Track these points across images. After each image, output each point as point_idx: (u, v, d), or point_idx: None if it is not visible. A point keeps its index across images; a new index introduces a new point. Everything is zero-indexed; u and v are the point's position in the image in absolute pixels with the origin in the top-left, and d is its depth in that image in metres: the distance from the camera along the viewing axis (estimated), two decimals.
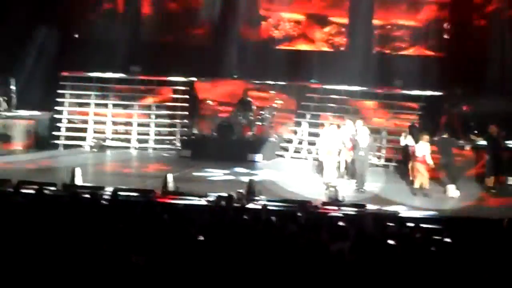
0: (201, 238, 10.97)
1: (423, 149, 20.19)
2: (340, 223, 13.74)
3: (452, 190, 20.20)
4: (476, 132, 22.72)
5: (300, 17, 28.31)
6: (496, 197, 20.52)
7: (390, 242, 11.15)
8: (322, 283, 9.44)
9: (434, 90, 25.19)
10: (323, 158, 21.10)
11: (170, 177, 19.29)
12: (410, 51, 27.28)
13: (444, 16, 27.25)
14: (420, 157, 20.20)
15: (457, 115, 24.44)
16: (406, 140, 21.17)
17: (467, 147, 21.55)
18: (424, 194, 20.05)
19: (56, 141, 25.11)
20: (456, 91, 24.77)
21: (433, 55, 26.89)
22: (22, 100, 25.95)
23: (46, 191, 15.96)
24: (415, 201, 19.50)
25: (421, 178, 20.17)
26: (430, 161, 20.17)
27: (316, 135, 25.43)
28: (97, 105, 26.49)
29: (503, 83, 24.64)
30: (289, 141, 25.74)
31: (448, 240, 11.96)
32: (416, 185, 20.18)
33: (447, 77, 25.56)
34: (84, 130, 25.95)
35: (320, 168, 21.77)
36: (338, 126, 21.88)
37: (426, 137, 20.34)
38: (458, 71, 25.57)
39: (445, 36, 27.29)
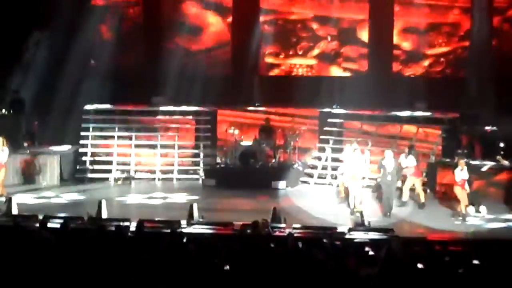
0: (227, 267, 10.94)
1: (461, 174, 20.13)
2: (367, 249, 13.73)
3: (471, 212, 20.19)
4: (502, 153, 22.62)
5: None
6: None
7: (419, 265, 11.08)
8: None
9: (456, 112, 25.07)
10: (348, 183, 21.01)
11: (195, 207, 19.30)
12: (432, 73, 27.14)
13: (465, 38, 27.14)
14: (459, 181, 20.14)
15: (477, 137, 24.29)
16: (407, 160, 20.95)
17: (484, 168, 21.29)
18: (462, 217, 19.97)
19: (80, 175, 25.18)
20: (472, 112, 24.65)
21: (455, 76, 26.75)
22: (44, 134, 26.06)
23: (72, 225, 16.02)
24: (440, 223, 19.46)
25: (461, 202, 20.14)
26: (467, 187, 20.12)
27: (340, 160, 25.41)
28: (120, 137, 26.57)
29: None
30: (313, 167, 25.69)
31: (476, 262, 11.88)
32: (462, 209, 20.10)
33: (469, 98, 25.48)
34: (108, 162, 26.02)
35: (345, 194, 21.73)
36: (362, 151, 21.81)
37: (463, 161, 20.27)
38: (480, 92, 25.47)
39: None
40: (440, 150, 24.54)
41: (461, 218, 20.02)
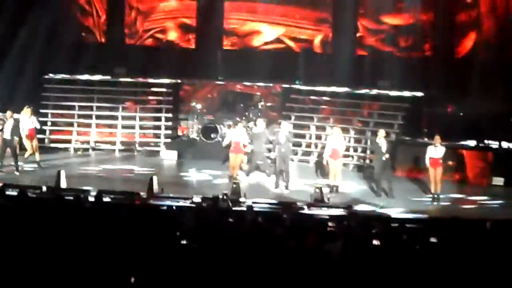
0: (184, 242, 10.93)
1: (435, 152, 20.18)
2: (330, 224, 13.80)
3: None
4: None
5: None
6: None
7: (375, 242, 11.16)
8: (310, 284, 9.42)
9: (418, 92, 25.23)
10: (329, 162, 21.01)
11: (155, 180, 19.26)
12: (396, 52, 27.19)
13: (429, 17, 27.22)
14: (431, 160, 20.23)
15: (437, 117, 24.46)
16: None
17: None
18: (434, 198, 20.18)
19: (40, 145, 24.93)
20: (433, 92, 24.81)
21: (419, 56, 26.84)
22: (3, 102, 25.79)
23: (30, 194, 15.90)
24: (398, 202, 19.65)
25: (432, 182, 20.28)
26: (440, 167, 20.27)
27: (302, 136, 25.50)
28: (81, 107, 26.36)
29: (487, 85, 24.62)
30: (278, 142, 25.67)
31: (433, 240, 11.98)
32: (432, 189, 20.23)
33: (431, 79, 25.63)
34: (69, 132, 25.81)
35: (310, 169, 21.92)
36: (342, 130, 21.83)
37: (438, 138, 20.28)
38: (442, 73, 25.62)
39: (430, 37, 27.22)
40: (401, 128, 24.68)
41: (431, 197, 20.18)
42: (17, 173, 21.19)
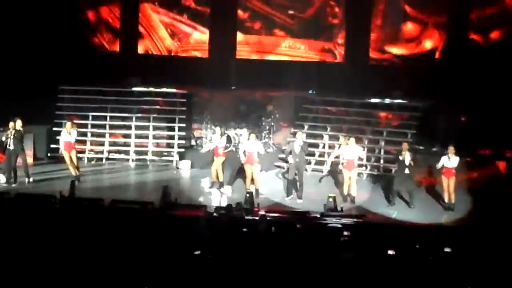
0: (198, 252, 10.95)
1: (448, 162, 20.21)
2: (345, 233, 13.79)
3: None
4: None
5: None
6: None
7: (390, 252, 11.14)
8: None
9: (432, 100, 25.20)
10: (343, 171, 21.05)
11: (168, 189, 19.29)
12: (409, 61, 27.17)
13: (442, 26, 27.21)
14: (444, 170, 20.26)
15: (452, 126, 24.43)
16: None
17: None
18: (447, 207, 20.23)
19: (53, 154, 24.96)
20: (443, 102, 24.77)
21: (432, 65, 26.80)
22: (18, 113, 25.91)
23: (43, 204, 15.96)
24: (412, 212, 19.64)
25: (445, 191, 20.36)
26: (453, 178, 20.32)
27: (315, 146, 25.49)
28: (95, 117, 26.43)
29: (498, 95, 24.61)
30: (291, 151, 25.69)
31: (448, 249, 11.96)
32: (445, 198, 20.31)
33: (444, 88, 25.63)
34: (82, 142, 25.85)
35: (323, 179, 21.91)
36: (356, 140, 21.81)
37: (452, 148, 20.29)
38: (455, 81, 25.62)
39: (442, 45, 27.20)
40: (414, 138, 24.66)
41: (446, 207, 20.19)
42: (27, 183, 21.17)
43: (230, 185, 21.64)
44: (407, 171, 20.43)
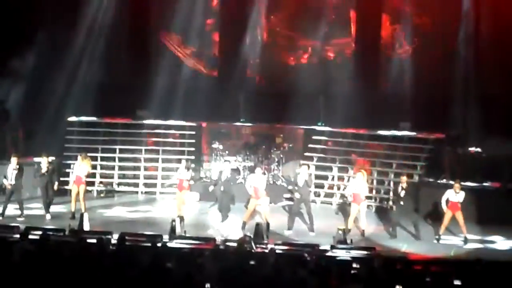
0: (208, 286, 10.91)
1: (455, 197, 20.18)
2: (354, 265, 13.73)
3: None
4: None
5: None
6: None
7: (398, 287, 11.09)
8: None
9: (441, 133, 25.19)
10: (351, 204, 21.01)
11: (177, 221, 19.31)
12: (417, 93, 27.12)
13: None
14: (450, 204, 20.21)
15: (459, 158, 24.39)
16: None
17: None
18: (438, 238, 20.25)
19: (64, 187, 24.97)
20: (452, 133, 24.74)
21: (440, 96, 26.76)
22: (29, 146, 25.99)
23: (53, 237, 15.93)
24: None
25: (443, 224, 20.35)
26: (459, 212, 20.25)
27: (324, 177, 25.49)
28: (104, 150, 26.50)
29: (509, 123, 24.56)
30: (296, 184, 25.66)
31: (457, 282, 11.90)
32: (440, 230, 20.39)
33: (454, 119, 25.62)
34: (92, 175, 25.85)
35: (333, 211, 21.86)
36: (369, 172, 21.74)
37: (458, 184, 20.30)
38: (465, 113, 25.62)
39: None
40: (424, 170, 24.63)
41: (437, 238, 20.21)
42: (21, 218, 20.91)
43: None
44: (401, 203, 20.46)
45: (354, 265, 14.04)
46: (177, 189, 21.66)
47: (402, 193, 20.56)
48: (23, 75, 26.64)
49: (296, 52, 29.16)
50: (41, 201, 21.70)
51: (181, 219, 20.42)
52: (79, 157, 22.05)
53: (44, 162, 21.68)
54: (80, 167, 21.78)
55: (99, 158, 26.34)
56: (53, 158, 22.44)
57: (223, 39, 28.88)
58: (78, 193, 21.54)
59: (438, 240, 20.19)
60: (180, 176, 21.67)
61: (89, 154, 25.95)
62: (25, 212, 21.37)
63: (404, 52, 27.68)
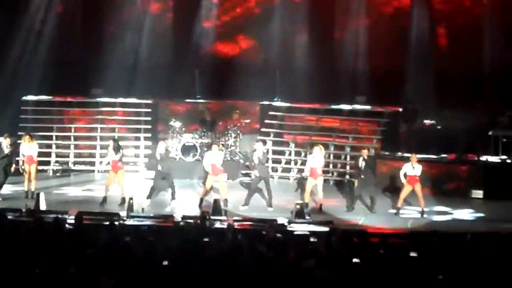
0: (166, 262, 10.91)
1: (412, 170, 20.30)
2: (312, 239, 13.81)
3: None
4: None
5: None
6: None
7: (356, 260, 11.16)
8: None
9: (396, 106, 25.35)
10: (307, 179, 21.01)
11: (135, 199, 19.26)
12: (373, 67, 27.17)
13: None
14: (407, 178, 20.33)
15: (414, 131, 24.58)
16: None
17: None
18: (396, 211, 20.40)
19: (18, 167, 24.73)
20: (408, 106, 24.90)
21: (396, 70, 26.87)
22: None
23: (10, 217, 15.83)
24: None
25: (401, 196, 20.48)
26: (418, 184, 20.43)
27: (282, 153, 25.57)
28: (59, 129, 26.29)
29: (465, 98, 24.77)
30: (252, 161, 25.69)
31: (414, 254, 12.01)
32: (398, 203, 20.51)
33: (410, 92, 25.77)
34: (47, 154, 25.67)
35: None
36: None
37: (415, 157, 20.43)
38: (420, 86, 25.78)
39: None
40: (380, 144, 24.81)
41: (395, 211, 20.38)
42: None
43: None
44: (362, 176, 20.60)
45: (312, 239, 14.12)
46: (112, 171, 21.14)
47: (363, 166, 20.63)
48: None
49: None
50: None
51: (122, 200, 20.40)
52: (25, 138, 21.70)
53: (5, 143, 21.39)
54: (29, 147, 21.52)
55: (54, 137, 26.14)
56: (14, 139, 22.13)
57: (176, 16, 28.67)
58: (29, 173, 21.40)
59: (396, 213, 20.37)
60: (111, 158, 21.26)
61: (44, 134, 25.93)
62: None
63: (359, 25, 27.63)
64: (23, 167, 21.76)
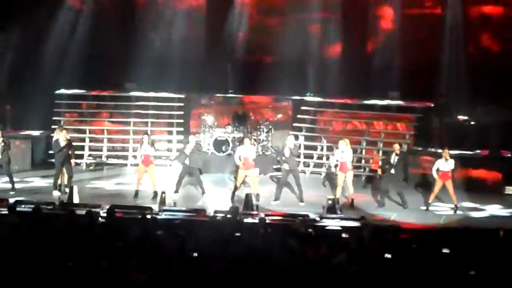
0: (195, 254, 10.95)
1: (445, 165, 20.17)
2: (343, 235, 13.79)
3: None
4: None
5: None
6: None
7: (387, 255, 11.13)
8: None
9: (429, 101, 25.20)
10: (338, 174, 20.93)
11: (167, 193, 19.33)
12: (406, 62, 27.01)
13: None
14: (440, 173, 20.22)
15: (447, 126, 24.42)
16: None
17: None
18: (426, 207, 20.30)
19: (52, 160, 24.91)
20: (441, 101, 24.73)
21: (429, 66, 26.69)
22: (17, 119, 25.97)
23: (43, 210, 15.95)
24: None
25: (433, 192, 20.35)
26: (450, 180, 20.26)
27: (314, 148, 25.54)
28: (92, 122, 26.47)
29: (496, 92, 24.57)
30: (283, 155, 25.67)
31: (446, 250, 11.96)
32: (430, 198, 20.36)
33: (442, 87, 25.61)
34: (81, 148, 25.86)
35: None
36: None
37: (447, 152, 20.27)
38: (451, 81, 25.62)
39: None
40: (412, 139, 24.71)
41: (426, 206, 20.27)
42: (12, 192, 20.68)
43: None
44: (392, 171, 20.48)
45: (343, 235, 14.11)
46: (143, 164, 21.11)
47: (395, 161, 20.48)
48: (7, 49, 26.46)
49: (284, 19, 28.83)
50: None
51: (154, 194, 20.47)
52: (63, 131, 21.63)
53: (61, 137, 21.20)
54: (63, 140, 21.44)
55: (87, 131, 26.33)
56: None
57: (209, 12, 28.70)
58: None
59: (427, 208, 20.26)
60: (145, 152, 21.22)
61: (77, 127, 26.14)
62: (16, 186, 21.29)
63: (393, 19, 27.49)
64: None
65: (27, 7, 26.43)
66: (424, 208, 20.35)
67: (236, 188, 20.87)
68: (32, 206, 15.93)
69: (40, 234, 12.23)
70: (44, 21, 26.65)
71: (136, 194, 20.81)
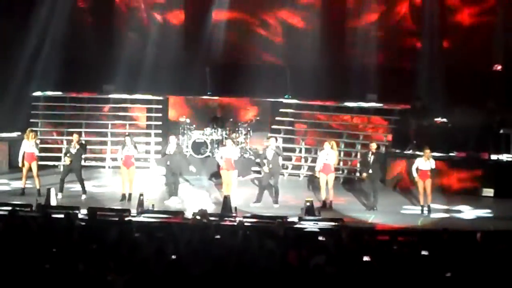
0: (174, 257, 10.94)
1: (425, 164, 20.21)
2: (320, 238, 13.82)
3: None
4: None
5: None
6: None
7: (366, 258, 11.16)
8: None
9: (406, 104, 25.25)
10: (320, 176, 20.92)
11: (145, 196, 19.28)
12: (383, 64, 27.07)
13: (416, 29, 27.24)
14: (420, 173, 20.23)
15: (424, 129, 24.48)
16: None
17: None
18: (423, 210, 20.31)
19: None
20: (418, 103, 24.79)
21: (406, 68, 26.77)
22: None
23: (20, 212, 15.87)
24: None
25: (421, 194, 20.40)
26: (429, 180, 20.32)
27: (292, 150, 25.55)
28: (70, 124, 26.33)
29: (476, 96, 24.67)
30: (265, 157, 25.66)
31: (424, 252, 12.01)
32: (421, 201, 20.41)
33: (420, 90, 25.67)
34: (58, 150, 25.74)
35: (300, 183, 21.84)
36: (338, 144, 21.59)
37: (428, 151, 20.32)
38: (431, 84, 25.70)
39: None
40: (390, 141, 24.76)
41: (426, 210, 20.24)
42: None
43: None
44: (370, 171, 20.48)
45: (321, 237, 14.13)
46: (123, 165, 21.19)
47: (371, 160, 20.49)
48: None
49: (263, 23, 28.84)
50: None
51: (129, 196, 20.43)
52: (28, 134, 21.49)
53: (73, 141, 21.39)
54: (32, 145, 21.37)
55: (65, 133, 26.20)
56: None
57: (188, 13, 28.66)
58: (30, 170, 21.30)
59: (423, 211, 20.18)
60: (127, 153, 21.22)
61: (54, 129, 26.01)
62: None
63: (370, 22, 27.53)
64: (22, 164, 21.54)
65: (2, 9, 26.25)
66: (421, 210, 20.23)
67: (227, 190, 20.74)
68: (9, 208, 15.85)
69: (17, 236, 12.16)
70: (19, 23, 26.49)
71: (124, 197, 20.70)
